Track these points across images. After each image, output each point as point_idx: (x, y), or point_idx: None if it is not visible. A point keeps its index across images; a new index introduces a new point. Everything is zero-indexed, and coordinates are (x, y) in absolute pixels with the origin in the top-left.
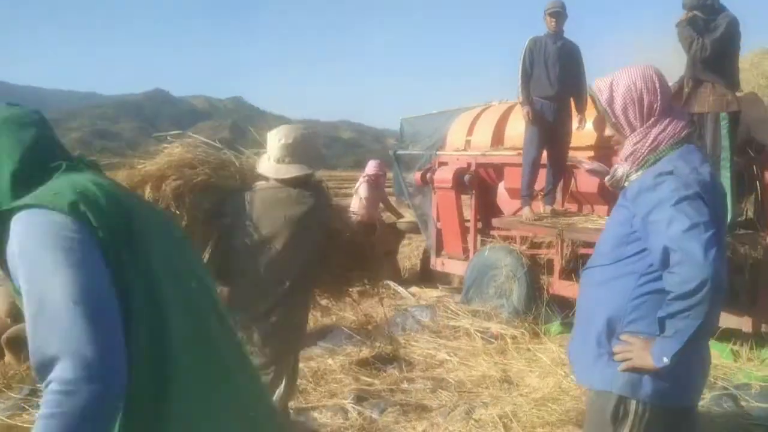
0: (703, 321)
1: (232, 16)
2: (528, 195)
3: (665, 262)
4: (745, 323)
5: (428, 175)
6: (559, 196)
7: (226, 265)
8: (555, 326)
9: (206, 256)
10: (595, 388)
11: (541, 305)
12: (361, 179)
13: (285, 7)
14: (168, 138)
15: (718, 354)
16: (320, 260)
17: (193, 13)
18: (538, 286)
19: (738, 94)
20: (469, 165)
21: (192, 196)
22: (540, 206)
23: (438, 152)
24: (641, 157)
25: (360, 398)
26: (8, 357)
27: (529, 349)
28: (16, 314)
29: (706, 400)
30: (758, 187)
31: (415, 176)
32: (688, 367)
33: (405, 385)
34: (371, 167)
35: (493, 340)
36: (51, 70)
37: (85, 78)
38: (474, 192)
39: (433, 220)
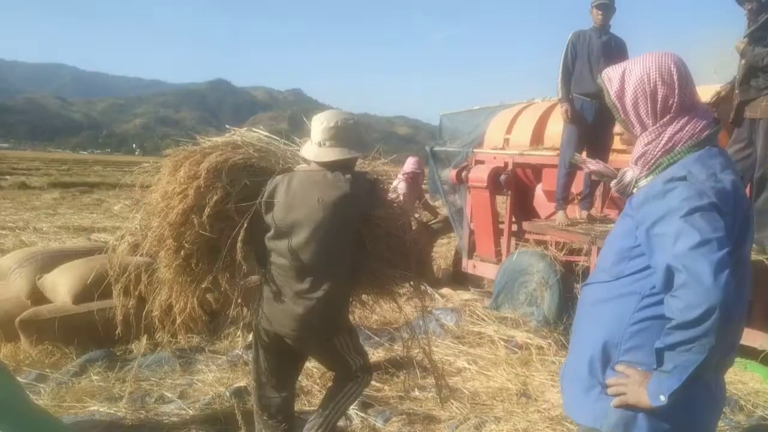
0: (707, 356)
1: (295, 9)
2: (563, 199)
3: (668, 284)
4: None
5: (463, 174)
6: (597, 201)
7: (262, 242)
8: None
9: (240, 233)
10: (583, 424)
11: (573, 315)
12: (399, 176)
13: (346, 2)
14: (227, 127)
15: (762, 378)
16: (360, 248)
17: (256, 4)
18: (571, 296)
19: None
20: (506, 164)
21: (231, 173)
22: (576, 211)
23: (475, 150)
24: (653, 160)
25: (365, 404)
26: (22, 340)
27: (554, 362)
28: (37, 297)
29: (741, 430)
30: None
31: (451, 174)
32: (692, 405)
33: (416, 393)
34: (410, 164)
35: (517, 350)
36: (118, 57)
37: (150, 65)
38: (510, 193)
39: (466, 220)
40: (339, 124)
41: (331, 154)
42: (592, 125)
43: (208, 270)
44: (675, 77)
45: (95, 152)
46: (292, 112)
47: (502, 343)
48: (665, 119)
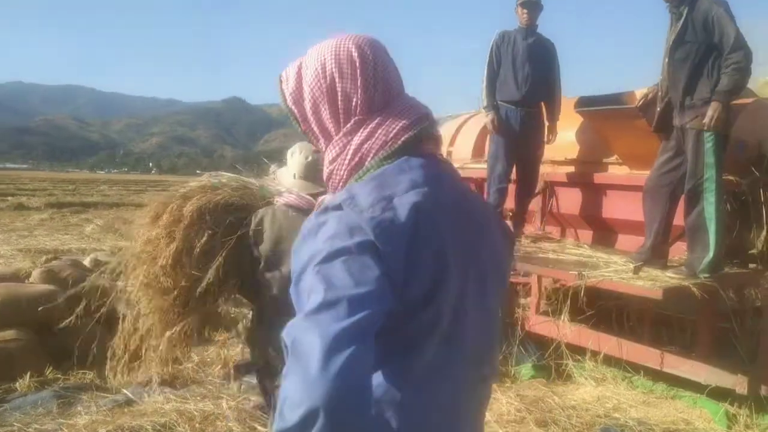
0: None
1: (309, 26)
2: None
3: None
4: (740, 383)
5: None
6: (536, 217)
7: (252, 278)
8: (526, 369)
9: (218, 268)
10: None
11: (514, 343)
12: None
13: (359, 18)
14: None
15: (710, 416)
16: None
17: (271, 20)
18: (512, 321)
19: (747, 100)
20: None
21: (215, 213)
22: (528, 228)
23: None
24: (340, 182)
25: None
26: None
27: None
28: None
29: None
30: (764, 213)
31: None
32: None
33: None
34: None
35: None
36: (134, 77)
37: (166, 85)
38: None
39: None
40: (316, 158)
41: (316, 187)
42: (520, 135)
43: (198, 307)
44: (357, 66)
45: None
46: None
47: None
48: (350, 125)
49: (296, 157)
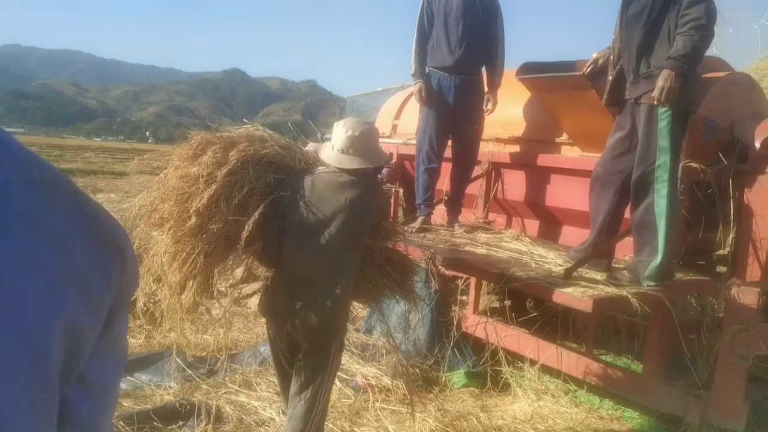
0: None
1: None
2: (425, 202)
3: None
4: (691, 410)
5: None
6: (479, 203)
7: (280, 240)
8: (459, 376)
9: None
10: None
11: (447, 346)
12: None
13: None
14: (244, 120)
15: None
16: (365, 256)
17: None
18: (446, 321)
19: (719, 74)
20: (390, 156)
21: (258, 168)
22: (470, 215)
23: None
24: None
25: None
26: None
27: (395, 412)
28: None
29: None
30: (732, 208)
31: None
32: None
33: None
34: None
35: (352, 394)
36: (134, 45)
37: (166, 54)
38: (402, 190)
39: None
40: (362, 133)
41: (354, 162)
42: (455, 107)
43: (217, 261)
44: None
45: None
46: (305, 104)
47: (337, 384)
48: None
49: (339, 130)
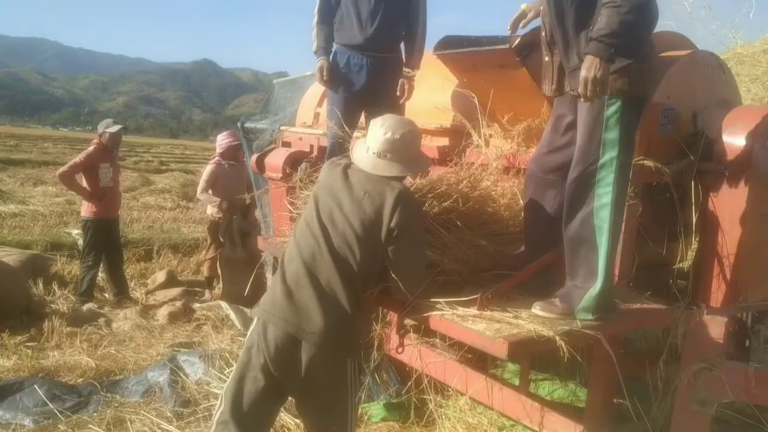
0: None
1: None
2: None
3: None
4: None
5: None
6: None
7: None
8: (377, 408)
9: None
10: None
11: (367, 372)
12: (211, 162)
13: None
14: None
15: None
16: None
17: None
18: (366, 341)
19: (680, 52)
20: (311, 148)
21: None
22: None
23: (282, 127)
24: None
25: None
26: None
27: None
28: None
29: None
30: (695, 215)
31: (251, 160)
32: None
33: None
34: (222, 139)
35: None
36: (103, 34)
37: (135, 43)
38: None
39: (272, 222)
40: (401, 137)
41: (392, 170)
42: (367, 91)
43: None
44: None
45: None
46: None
47: None
48: None
49: (376, 130)
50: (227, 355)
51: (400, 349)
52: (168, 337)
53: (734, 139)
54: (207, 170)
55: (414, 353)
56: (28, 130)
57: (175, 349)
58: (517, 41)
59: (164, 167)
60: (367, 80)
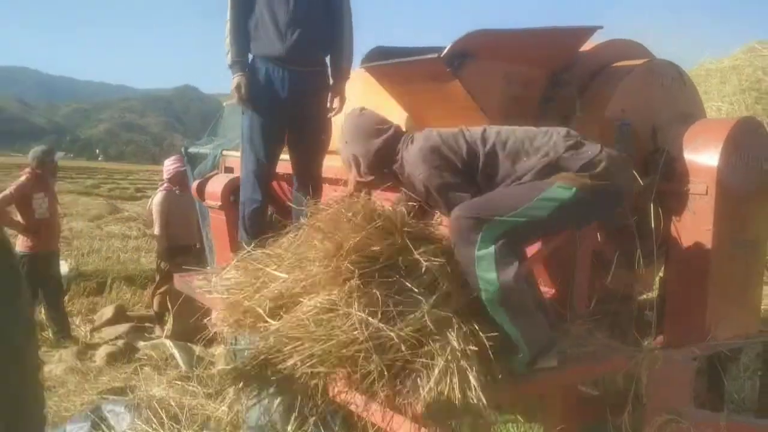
0: None
1: None
2: (251, 233)
3: None
4: None
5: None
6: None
7: None
8: None
9: None
10: None
11: (308, 419)
12: (159, 188)
13: None
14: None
15: None
16: None
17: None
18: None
19: (635, 61)
20: None
21: None
22: None
23: (224, 152)
24: None
25: None
26: None
27: None
28: None
29: None
30: (655, 240)
31: (192, 186)
32: None
33: None
34: (169, 164)
35: None
36: (84, 62)
37: (117, 70)
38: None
39: (213, 252)
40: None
41: None
42: (289, 109)
43: None
44: None
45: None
46: None
47: None
48: None
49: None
50: (156, 404)
51: None
52: (103, 381)
53: (698, 157)
54: (157, 200)
55: (358, 398)
56: (6, 159)
57: (104, 396)
58: (446, 50)
59: (140, 194)
60: (290, 97)
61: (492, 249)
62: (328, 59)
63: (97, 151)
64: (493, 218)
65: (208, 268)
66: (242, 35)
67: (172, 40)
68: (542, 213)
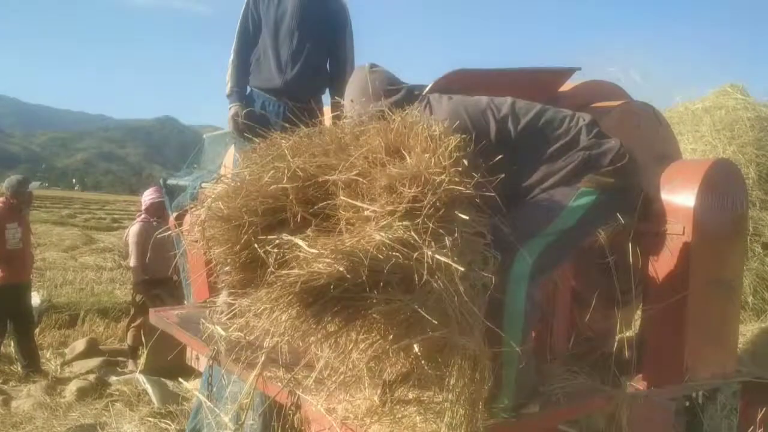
0: None
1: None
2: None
3: None
4: None
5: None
6: None
7: None
8: None
9: None
10: None
11: None
12: (136, 219)
13: None
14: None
15: None
16: None
17: (208, 40)
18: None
19: (612, 103)
20: None
21: None
22: None
23: (204, 184)
24: None
25: None
26: None
27: None
28: None
29: None
30: (633, 280)
31: (171, 218)
32: None
33: None
34: (147, 195)
35: None
36: (63, 90)
37: (97, 100)
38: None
39: (191, 286)
40: None
41: None
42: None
43: None
44: None
45: None
46: None
47: None
48: None
49: None
50: None
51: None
52: (73, 417)
53: (675, 198)
54: (133, 231)
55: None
56: None
57: None
58: (428, 87)
59: (116, 224)
60: (284, 129)
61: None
62: (324, 97)
63: (74, 180)
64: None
65: (185, 302)
66: (243, 67)
67: (153, 71)
68: (571, 222)
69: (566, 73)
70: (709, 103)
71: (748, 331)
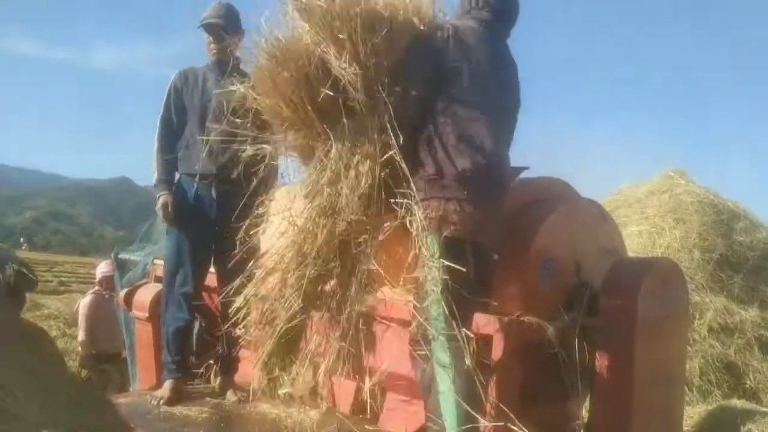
0: None
1: None
2: (175, 361)
3: None
4: None
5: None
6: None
7: None
8: None
9: None
10: None
11: None
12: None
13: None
14: None
15: None
16: None
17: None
18: None
19: (559, 200)
20: None
21: None
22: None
23: (156, 260)
24: None
25: None
26: None
27: None
28: None
29: None
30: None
31: (119, 296)
32: None
33: None
34: (101, 268)
35: None
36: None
37: (51, 159)
38: None
39: (136, 367)
40: None
41: None
42: (216, 225)
43: None
44: None
45: None
46: None
47: None
48: None
49: None
50: None
51: None
52: None
53: (619, 295)
54: (84, 302)
55: None
56: None
57: None
58: None
59: (63, 288)
60: (218, 213)
61: None
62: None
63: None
64: None
65: (131, 384)
66: (170, 155)
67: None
68: None
69: (515, 172)
70: (653, 187)
71: (695, 413)
